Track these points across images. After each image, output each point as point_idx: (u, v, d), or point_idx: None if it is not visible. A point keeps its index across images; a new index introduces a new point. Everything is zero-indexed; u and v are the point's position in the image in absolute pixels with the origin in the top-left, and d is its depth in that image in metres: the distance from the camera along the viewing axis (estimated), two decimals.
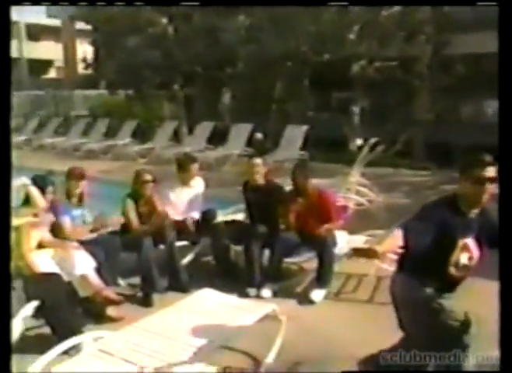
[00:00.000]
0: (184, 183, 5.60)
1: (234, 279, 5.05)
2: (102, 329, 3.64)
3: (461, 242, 2.86)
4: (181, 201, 5.55)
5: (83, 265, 4.29)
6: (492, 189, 2.78)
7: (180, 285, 4.89)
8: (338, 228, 5.11)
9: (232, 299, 4.04)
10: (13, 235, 3.91)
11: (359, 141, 12.30)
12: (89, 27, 21.21)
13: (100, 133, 15.58)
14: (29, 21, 34.64)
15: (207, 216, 5.49)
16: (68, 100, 21.47)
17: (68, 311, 3.88)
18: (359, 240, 5.34)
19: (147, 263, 4.80)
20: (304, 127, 11.84)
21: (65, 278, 4.15)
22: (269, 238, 5.04)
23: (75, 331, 3.52)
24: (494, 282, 4.40)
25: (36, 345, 3.15)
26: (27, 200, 4.43)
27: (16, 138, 14.53)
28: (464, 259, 2.90)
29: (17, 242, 4.06)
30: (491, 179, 2.76)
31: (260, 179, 5.33)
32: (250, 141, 12.69)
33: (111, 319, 4.26)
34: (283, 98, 14.59)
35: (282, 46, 13.30)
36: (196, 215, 5.49)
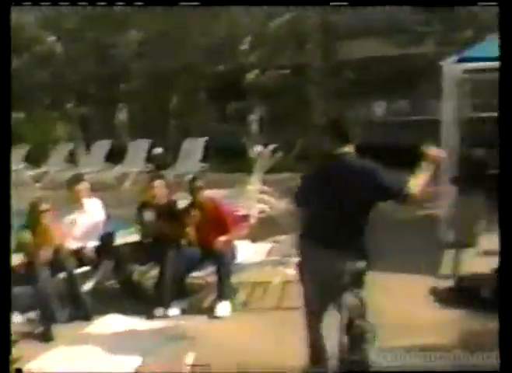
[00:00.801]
0: (73, 202, 5.39)
1: (140, 300, 4.89)
2: None
3: None
4: (79, 226, 5.33)
5: None
6: None
7: (83, 313, 4.67)
8: (236, 238, 5.06)
9: (138, 322, 3.93)
10: None
11: (258, 149, 12.45)
12: None
13: None
14: None
15: (106, 239, 5.30)
16: None
17: None
18: (264, 247, 5.38)
19: (45, 294, 4.56)
20: (203, 139, 11.78)
21: None
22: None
23: None
24: (394, 275, 4.58)
25: None
26: None
27: None
28: None
29: None
30: None
31: (161, 200, 5.25)
32: (149, 157, 12.49)
33: None
34: (180, 111, 14.52)
35: (174, 59, 13.25)
36: (95, 240, 5.29)
